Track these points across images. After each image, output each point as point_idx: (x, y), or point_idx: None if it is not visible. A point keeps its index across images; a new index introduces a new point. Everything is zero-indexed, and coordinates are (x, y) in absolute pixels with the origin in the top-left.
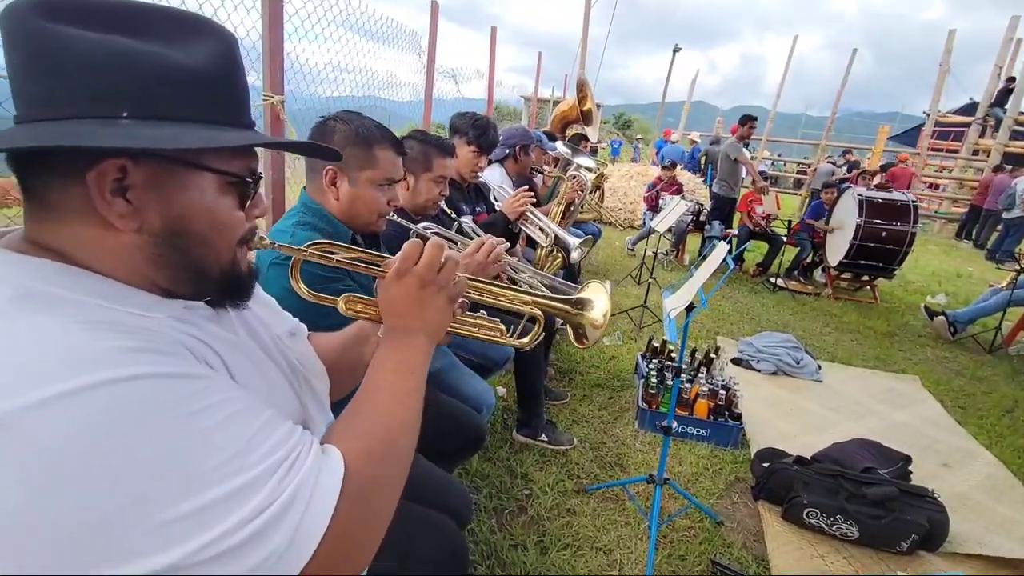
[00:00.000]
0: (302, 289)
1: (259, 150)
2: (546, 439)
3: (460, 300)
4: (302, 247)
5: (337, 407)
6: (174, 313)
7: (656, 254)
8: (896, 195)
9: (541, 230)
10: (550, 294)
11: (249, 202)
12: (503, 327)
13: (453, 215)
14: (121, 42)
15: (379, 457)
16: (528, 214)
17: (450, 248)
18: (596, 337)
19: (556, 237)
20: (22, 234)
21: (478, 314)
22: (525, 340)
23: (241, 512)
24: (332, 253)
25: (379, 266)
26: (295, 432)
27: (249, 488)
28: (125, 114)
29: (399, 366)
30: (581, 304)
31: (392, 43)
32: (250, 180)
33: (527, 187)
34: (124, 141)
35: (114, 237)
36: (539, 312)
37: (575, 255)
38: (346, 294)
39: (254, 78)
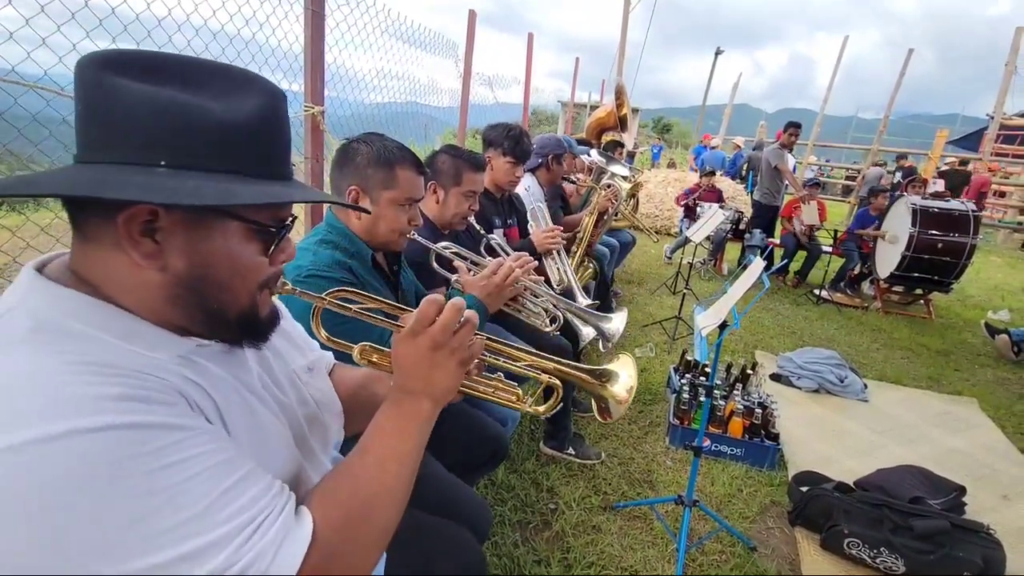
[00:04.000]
0: (322, 335)
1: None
2: (573, 452)
3: (478, 361)
4: (322, 295)
5: (351, 442)
6: (182, 351)
7: (692, 263)
8: (954, 204)
9: (559, 272)
10: (573, 363)
11: (274, 248)
12: (519, 391)
13: (482, 231)
14: (169, 95)
15: (353, 528)
16: (554, 253)
17: (468, 310)
18: (619, 413)
19: (567, 290)
20: (67, 261)
21: (495, 376)
22: (542, 408)
23: (197, 573)
24: (351, 302)
25: (397, 320)
26: (270, 490)
27: (208, 549)
28: (163, 163)
29: (396, 429)
30: (606, 376)
31: (432, 49)
32: (274, 229)
33: (561, 227)
34: (143, 195)
35: (139, 274)
36: (558, 382)
37: (583, 336)
38: (362, 343)
39: (297, 88)
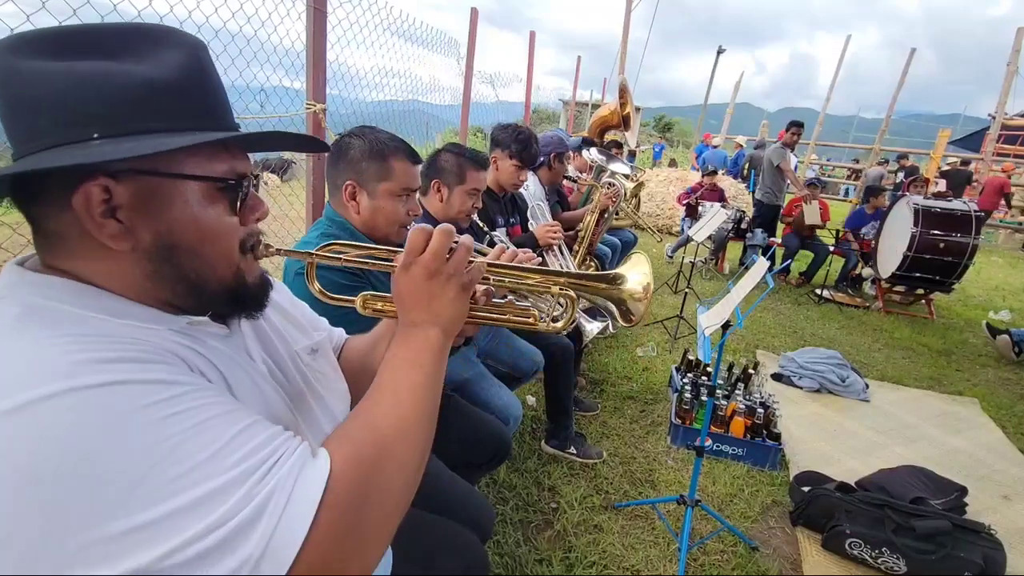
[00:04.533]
0: (316, 290)
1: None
2: (575, 452)
3: (485, 288)
4: (311, 251)
5: None
6: (176, 327)
7: (694, 263)
8: (956, 204)
9: (561, 267)
10: (585, 273)
11: (240, 205)
12: (536, 312)
13: (485, 228)
14: (85, 66)
15: (371, 462)
16: (556, 250)
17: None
18: (641, 311)
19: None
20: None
21: (506, 300)
22: (559, 324)
23: (207, 519)
24: (341, 253)
25: (391, 261)
26: (279, 436)
27: (217, 494)
28: (96, 135)
29: (404, 361)
30: (619, 279)
31: (433, 47)
32: (234, 182)
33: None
34: (71, 159)
35: (114, 258)
36: (571, 293)
37: (586, 332)
38: (363, 293)
39: (299, 85)
